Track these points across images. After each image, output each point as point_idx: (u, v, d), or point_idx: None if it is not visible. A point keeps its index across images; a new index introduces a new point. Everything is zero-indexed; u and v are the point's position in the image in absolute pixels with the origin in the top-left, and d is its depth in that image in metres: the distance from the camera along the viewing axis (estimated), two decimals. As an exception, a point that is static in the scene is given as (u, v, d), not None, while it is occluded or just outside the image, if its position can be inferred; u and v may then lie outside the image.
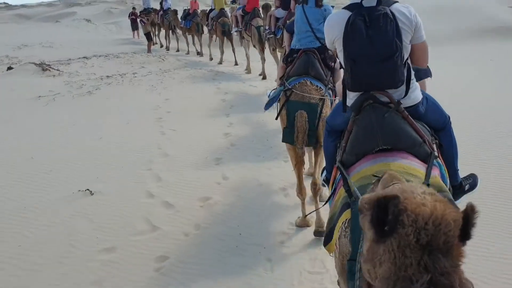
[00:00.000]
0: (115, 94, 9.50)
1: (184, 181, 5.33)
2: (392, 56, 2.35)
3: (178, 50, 17.81)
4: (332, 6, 5.28)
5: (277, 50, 9.62)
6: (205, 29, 15.28)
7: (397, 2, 2.51)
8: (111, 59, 14.07)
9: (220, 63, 13.72)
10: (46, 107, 8.57)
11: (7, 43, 19.28)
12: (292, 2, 7.52)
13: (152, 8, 20.29)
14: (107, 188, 5.11)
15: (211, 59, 14.63)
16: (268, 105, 4.64)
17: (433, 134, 2.55)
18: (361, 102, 2.39)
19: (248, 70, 11.97)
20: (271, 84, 10.52)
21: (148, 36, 17.59)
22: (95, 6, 51.36)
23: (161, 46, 19.60)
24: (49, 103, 8.79)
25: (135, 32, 22.46)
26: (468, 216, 1.24)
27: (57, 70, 11.70)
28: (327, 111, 4.15)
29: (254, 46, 10.95)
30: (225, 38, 12.97)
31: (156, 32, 20.27)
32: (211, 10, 14.24)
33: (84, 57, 14.35)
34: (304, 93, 4.17)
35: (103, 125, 7.50)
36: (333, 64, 4.63)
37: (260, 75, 11.25)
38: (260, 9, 11.16)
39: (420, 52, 2.61)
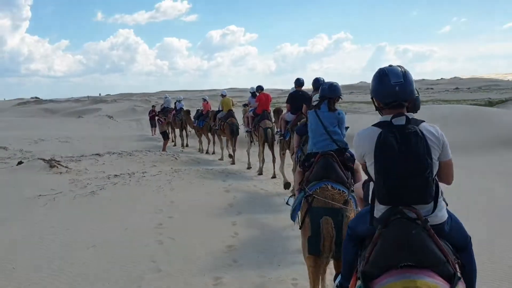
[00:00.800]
0: (119, 196, 9.04)
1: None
2: (424, 172, 2.45)
3: (187, 145, 18.85)
4: (345, 113, 5.28)
5: (286, 151, 9.75)
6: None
7: (424, 121, 2.63)
8: (124, 157, 13.85)
9: (233, 163, 13.68)
10: (43, 208, 8.10)
11: (25, 137, 19.45)
12: (304, 106, 7.68)
13: (170, 108, 20.94)
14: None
15: (220, 159, 14.82)
16: (294, 215, 4.48)
17: (455, 253, 2.60)
18: (389, 215, 2.49)
19: (259, 171, 11.86)
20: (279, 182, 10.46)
21: (164, 135, 17.72)
22: (120, 104, 53.40)
23: (175, 144, 20.02)
24: (48, 203, 8.34)
25: (153, 129, 23.12)
26: None
27: (66, 167, 11.43)
28: (352, 215, 3.98)
29: (261, 145, 11.44)
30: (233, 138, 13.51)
31: (170, 131, 20.77)
32: (218, 111, 14.81)
33: (97, 154, 14.17)
34: (326, 198, 4.02)
35: (99, 230, 6.95)
36: (352, 165, 4.57)
37: (273, 177, 11.18)
38: (271, 112, 11.63)
39: (446, 169, 2.71)
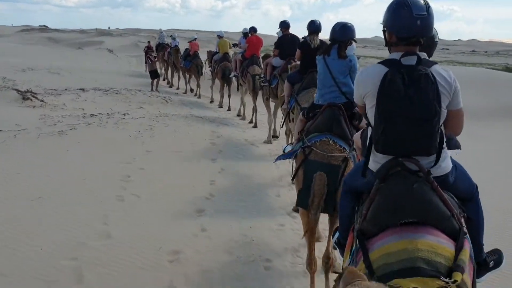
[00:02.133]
0: (90, 138, 8.03)
1: None
2: (431, 120, 2.24)
3: (178, 88, 18.09)
4: (358, 57, 4.80)
5: (270, 100, 9.15)
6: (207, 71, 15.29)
7: (436, 63, 2.39)
8: (109, 95, 12.79)
9: (220, 106, 13.49)
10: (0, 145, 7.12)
11: (14, 64, 18.31)
12: (298, 51, 6.67)
13: (166, 44, 19.71)
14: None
15: (211, 101, 14.48)
16: (279, 158, 4.36)
17: (461, 206, 2.41)
18: (387, 168, 2.29)
19: (242, 116, 11.71)
20: (263, 132, 9.80)
21: (152, 74, 16.69)
22: (125, 38, 51.65)
23: (171, 85, 18.94)
24: (6, 140, 7.34)
25: (147, 65, 21.58)
26: None
27: (41, 100, 10.40)
28: None
29: (250, 93, 10.78)
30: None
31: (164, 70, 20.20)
32: (215, 53, 14.10)
33: (80, 89, 13.09)
34: (325, 152, 3.78)
35: (53, 179, 5.99)
36: (358, 123, 4.24)
37: (250, 122, 11.04)
38: (261, 58, 10.62)
39: (456, 119, 2.49)
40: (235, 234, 4.94)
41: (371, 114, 2.41)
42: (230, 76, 12.30)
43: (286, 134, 8.21)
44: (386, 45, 2.48)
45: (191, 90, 16.63)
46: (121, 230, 4.76)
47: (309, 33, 6.51)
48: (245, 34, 12.09)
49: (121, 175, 6.42)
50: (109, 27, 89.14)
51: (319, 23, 6.51)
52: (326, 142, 3.86)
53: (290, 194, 6.04)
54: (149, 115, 10.53)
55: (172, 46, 18.16)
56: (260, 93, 10.03)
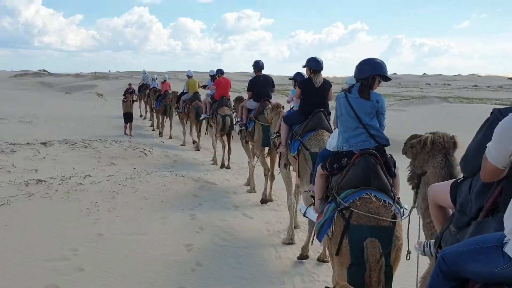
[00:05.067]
0: (22, 218, 5.99)
1: None
2: None
3: (153, 130, 17.01)
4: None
5: (249, 142, 8.58)
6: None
7: None
8: (77, 149, 10.76)
9: (197, 149, 12.90)
10: None
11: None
12: (298, 90, 5.97)
13: (148, 85, 18.91)
14: None
15: (182, 144, 13.75)
16: (322, 235, 3.49)
17: None
18: None
19: (214, 161, 11.08)
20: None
21: (125, 116, 15.35)
22: (121, 81, 50.07)
23: (153, 129, 17.40)
24: None
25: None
26: None
27: (-17, 161, 8.37)
28: (401, 235, 3.23)
29: (216, 135, 10.60)
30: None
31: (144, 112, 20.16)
32: (183, 93, 13.61)
33: (43, 143, 11.08)
34: (370, 213, 3.18)
35: None
36: (394, 169, 3.64)
37: (221, 167, 10.50)
38: (232, 101, 10.43)
39: None
40: None
41: None
42: (201, 118, 11.93)
43: (264, 173, 7.90)
44: None
45: (160, 133, 16.12)
46: None
47: (312, 72, 5.78)
48: (212, 77, 11.71)
49: (45, 283, 4.33)
50: (109, 70, 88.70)
51: (322, 61, 5.83)
52: (368, 200, 3.28)
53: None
54: (117, 175, 8.48)
55: (151, 87, 17.77)
56: (239, 136, 9.47)
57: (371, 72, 3.65)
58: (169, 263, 5.10)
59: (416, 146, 3.05)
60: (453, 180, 2.45)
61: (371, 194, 3.30)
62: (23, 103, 23.33)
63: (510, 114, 1.85)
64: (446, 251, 2.05)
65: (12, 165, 8.71)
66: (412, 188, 3.09)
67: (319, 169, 3.85)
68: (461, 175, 2.39)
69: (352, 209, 3.21)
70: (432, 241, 2.55)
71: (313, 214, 4.05)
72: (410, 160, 3.29)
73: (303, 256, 5.33)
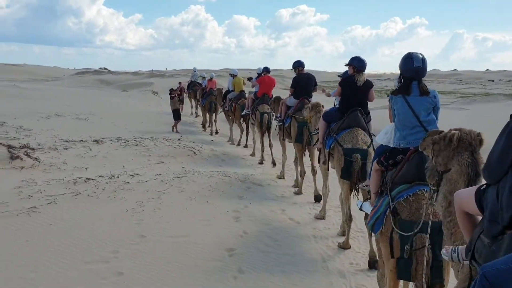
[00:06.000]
0: (68, 218, 5.99)
1: None
2: None
3: (216, 132, 16.01)
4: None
5: (286, 140, 8.86)
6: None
7: None
8: (128, 147, 10.85)
9: (245, 146, 12.98)
10: None
11: (42, 110, 17.05)
12: (339, 88, 6.07)
13: (198, 83, 19.36)
14: None
15: (229, 141, 14.01)
16: (377, 226, 3.57)
17: None
18: None
19: (253, 153, 11.71)
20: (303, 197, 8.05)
21: (174, 113, 15.59)
22: (176, 79, 50.96)
23: (204, 128, 17.20)
24: None
25: (181, 106, 21.30)
26: None
27: (35, 159, 8.55)
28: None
29: (257, 129, 10.91)
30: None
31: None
32: (228, 91, 13.86)
33: (96, 141, 11.26)
34: (421, 209, 3.26)
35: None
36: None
37: (259, 163, 10.83)
38: (273, 98, 10.60)
39: None
40: None
41: None
42: (242, 114, 12.24)
43: (300, 175, 8.14)
44: None
45: (207, 130, 16.54)
46: None
47: (356, 71, 5.89)
48: (259, 75, 11.87)
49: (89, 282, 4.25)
50: (166, 68, 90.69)
51: (365, 61, 5.97)
52: (421, 196, 3.39)
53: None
54: (165, 174, 8.42)
55: (203, 85, 17.93)
56: (275, 132, 10.04)
57: (426, 70, 3.88)
58: (210, 269, 4.91)
59: (440, 143, 2.89)
60: (477, 186, 2.35)
61: (424, 190, 3.36)
62: (81, 100, 24.10)
63: None
64: (487, 268, 1.83)
65: (63, 163, 8.86)
66: (433, 186, 2.92)
67: (375, 165, 3.96)
68: None
69: (404, 204, 3.39)
70: (461, 247, 2.44)
71: (368, 208, 4.19)
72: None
73: (370, 264, 5.13)
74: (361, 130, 5.67)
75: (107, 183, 7.47)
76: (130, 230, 5.76)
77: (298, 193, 8.13)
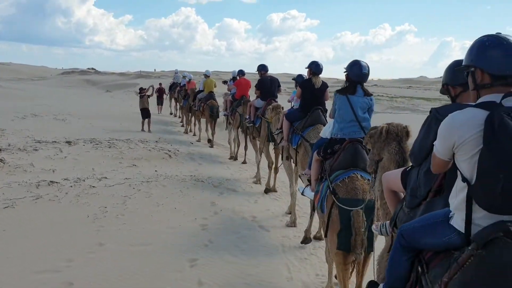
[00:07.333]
0: (24, 223, 5.69)
1: None
2: None
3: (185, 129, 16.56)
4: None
5: (256, 138, 9.37)
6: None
7: None
8: (100, 149, 10.54)
9: (211, 146, 13.06)
10: None
11: (19, 110, 16.66)
12: (299, 90, 6.60)
13: (179, 83, 19.35)
14: None
15: (198, 140, 14.11)
16: (324, 206, 4.07)
17: None
18: (489, 233, 1.86)
19: (232, 156, 11.56)
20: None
21: (143, 112, 15.29)
22: (162, 80, 50.63)
23: (185, 131, 16.70)
24: None
25: (159, 107, 21.98)
26: None
27: (0, 160, 8.20)
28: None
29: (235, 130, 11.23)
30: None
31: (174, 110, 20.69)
32: (199, 91, 14.12)
33: (68, 142, 10.93)
34: (356, 189, 3.83)
35: None
36: None
37: (243, 163, 10.93)
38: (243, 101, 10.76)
39: None
40: None
41: (467, 166, 1.93)
42: (223, 114, 12.44)
43: (268, 166, 8.59)
44: (474, 88, 2.04)
45: (185, 131, 16.53)
46: None
47: (313, 74, 6.42)
48: (233, 78, 12.16)
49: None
50: (155, 69, 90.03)
51: (322, 65, 6.50)
52: (355, 178, 3.94)
53: None
54: (134, 178, 8.14)
55: (181, 84, 18.17)
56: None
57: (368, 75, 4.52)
58: (167, 281, 4.64)
59: (374, 136, 3.28)
60: (403, 168, 2.81)
61: (357, 174, 3.98)
62: (62, 101, 23.69)
63: (449, 115, 2.01)
64: (404, 227, 2.30)
65: (30, 164, 8.53)
66: (371, 173, 3.33)
67: (314, 155, 4.53)
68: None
69: (341, 185, 3.91)
70: (387, 222, 2.78)
71: (309, 193, 4.72)
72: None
73: (307, 239, 5.81)
74: (323, 126, 5.95)
75: (71, 186, 7.18)
76: (88, 237, 5.48)
77: (256, 182, 8.89)
